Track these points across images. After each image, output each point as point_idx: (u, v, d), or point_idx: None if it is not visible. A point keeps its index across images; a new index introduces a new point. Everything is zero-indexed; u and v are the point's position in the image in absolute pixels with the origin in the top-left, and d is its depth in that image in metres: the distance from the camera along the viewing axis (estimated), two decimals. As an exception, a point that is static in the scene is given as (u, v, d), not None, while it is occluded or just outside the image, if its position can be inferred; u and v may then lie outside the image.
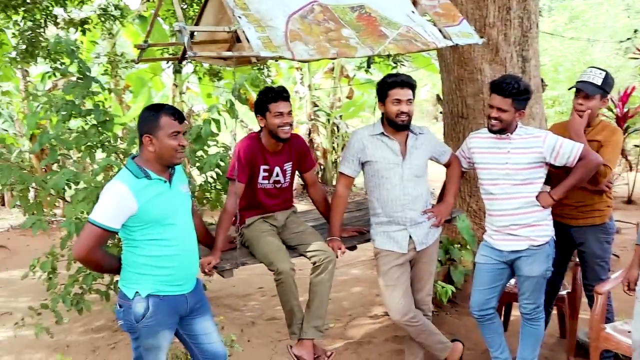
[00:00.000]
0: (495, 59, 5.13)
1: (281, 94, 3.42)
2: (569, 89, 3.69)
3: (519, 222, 3.40)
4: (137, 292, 2.68)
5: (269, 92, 3.45)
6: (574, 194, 3.56)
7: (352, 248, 3.76)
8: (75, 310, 4.31)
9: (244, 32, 3.06)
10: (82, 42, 7.71)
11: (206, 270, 3.26)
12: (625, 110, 8.88)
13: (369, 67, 5.34)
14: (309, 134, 11.90)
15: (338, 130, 11.98)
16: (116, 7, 7.06)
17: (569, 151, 3.33)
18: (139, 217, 2.61)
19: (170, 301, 2.74)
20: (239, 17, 3.11)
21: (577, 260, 3.86)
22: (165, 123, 2.63)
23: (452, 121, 5.57)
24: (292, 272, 3.33)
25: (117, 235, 3.02)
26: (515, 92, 3.31)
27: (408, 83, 3.39)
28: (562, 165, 3.39)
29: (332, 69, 12.07)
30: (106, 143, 4.49)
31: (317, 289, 3.42)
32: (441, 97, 5.79)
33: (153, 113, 2.66)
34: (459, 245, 4.77)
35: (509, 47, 5.12)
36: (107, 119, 4.43)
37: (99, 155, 4.55)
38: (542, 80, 5.72)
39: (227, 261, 3.35)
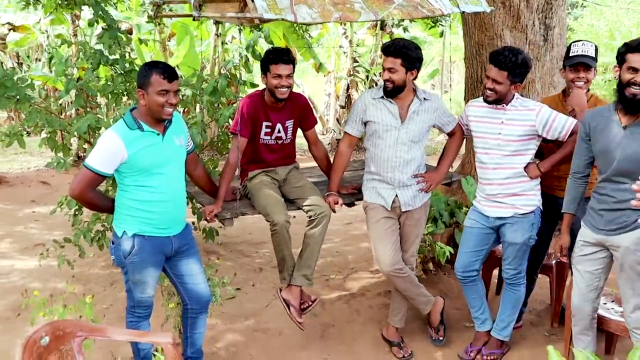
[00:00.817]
0: (517, 26, 5.11)
1: (282, 57, 3.50)
2: (567, 65, 3.60)
3: (506, 191, 3.49)
4: (124, 231, 2.96)
5: (271, 53, 3.55)
6: (564, 166, 3.61)
7: (350, 205, 3.93)
8: (97, 246, 4.69)
9: (249, -7, 3.21)
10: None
11: (208, 218, 3.51)
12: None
13: (382, 29, 5.38)
14: (347, 90, 11.91)
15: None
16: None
17: (561, 126, 3.38)
18: (129, 165, 2.86)
19: (155, 241, 3.00)
20: (248, -22, 3.25)
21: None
22: (155, 80, 2.82)
23: (472, 85, 5.62)
24: (287, 224, 3.50)
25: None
26: (512, 65, 3.31)
27: (394, 51, 3.39)
28: (555, 139, 3.45)
29: (376, 26, 11.96)
30: (133, 92, 4.76)
31: (310, 241, 3.61)
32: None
33: (147, 69, 2.86)
34: (466, 208, 4.87)
35: (531, 14, 5.08)
36: (133, 68, 4.69)
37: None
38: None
39: (228, 210, 3.58)
